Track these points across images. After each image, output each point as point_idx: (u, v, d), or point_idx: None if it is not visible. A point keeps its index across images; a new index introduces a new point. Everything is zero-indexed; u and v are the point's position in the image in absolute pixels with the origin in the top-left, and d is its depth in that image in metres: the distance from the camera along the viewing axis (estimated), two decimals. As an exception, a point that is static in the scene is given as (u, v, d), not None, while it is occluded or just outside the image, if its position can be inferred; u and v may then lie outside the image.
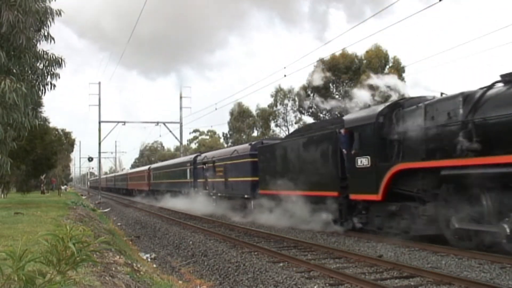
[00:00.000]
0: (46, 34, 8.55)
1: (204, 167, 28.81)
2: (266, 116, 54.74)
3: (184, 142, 71.24)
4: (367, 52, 40.74)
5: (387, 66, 40.94)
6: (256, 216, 20.12)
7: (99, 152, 48.85)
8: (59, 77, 8.93)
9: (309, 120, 48.55)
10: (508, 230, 9.42)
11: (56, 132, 36.46)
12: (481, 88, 11.08)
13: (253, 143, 23.35)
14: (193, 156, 33.67)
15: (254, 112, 57.96)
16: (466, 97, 11.18)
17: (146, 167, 50.37)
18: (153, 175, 44.23)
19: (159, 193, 40.47)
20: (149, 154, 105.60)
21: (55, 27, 8.68)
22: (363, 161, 13.51)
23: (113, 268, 7.53)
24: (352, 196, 14.06)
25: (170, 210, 29.45)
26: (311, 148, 16.57)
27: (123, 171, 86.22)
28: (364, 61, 40.68)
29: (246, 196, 22.11)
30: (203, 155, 30.99)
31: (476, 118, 10.64)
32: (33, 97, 8.50)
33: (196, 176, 30.68)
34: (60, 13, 8.42)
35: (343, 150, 14.64)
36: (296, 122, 52.39)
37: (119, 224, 24.30)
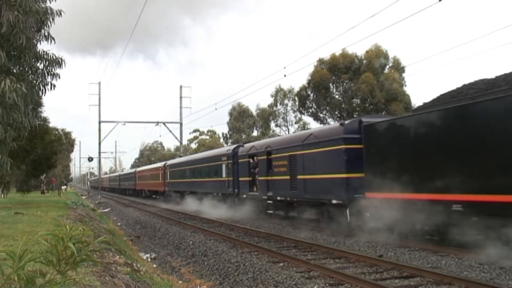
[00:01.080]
0: (46, 34, 8.55)
1: (252, 161, 22.10)
2: (266, 116, 54.77)
3: (184, 142, 71.35)
4: (367, 52, 40.74)
5: (387, 66, 40.95)
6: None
7: (99, 152, 48.87)
8: (59, 77, 8.93)
9: (309, 120, 48.55)
10: None
11: (56, 132, 36.43)
12: None
13: (346, 122, 15.61)
14: (231, 147, 26.01)
15: (254, 112, 58.03)
16: None
17: (160, 164, 44.35)
18: (170, 174, 38.17)
19: (178, 195, 35.37)
20: (149, 154, 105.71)
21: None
22: None
23: (113, 268, 7.53)
24: None
25: (170, 210, 29.39)
26: None
27: (123, 170, 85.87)
28: (364, 61, 40.66)
29: (335, 201, 15.12)
30: (248, 145, 23.76)
31: None
32: (33, 97, 8.50)
33: (237, 173, 23.63)
34: (60, 13, 8.42)
35: None
36: (296, 122, 52.48)
37: (119, 224, 24.30)
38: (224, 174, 25.34)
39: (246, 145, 24.01)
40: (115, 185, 73.35)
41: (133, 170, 63.05)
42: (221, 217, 22.14)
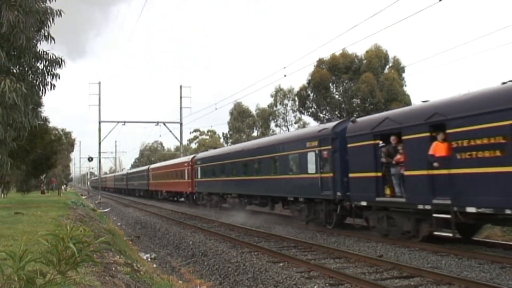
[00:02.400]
0: (46, 34, 8.56)
1: (382, 144, 13.44)
2: (266, 116, 54.78)
3: (184, 142, 71.35)
4: (367, 52, 40.72)
5: (387, 66, 40.94)
6: None
7: (99, 152, 48.86)
8: (59, 78, 8.94)
9: (309, 120, 48.60)
10: None
11: (56, 132, 36.44)
12: None
13: None
14: (327, 126, 16.58)
15: (254, 112, 58.08)
16: None
17: (186, 158, 36.20)
18: (202, 170, 29.93)
19: (214, 198, 27.89)
20: (149, 154, 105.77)
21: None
22: None
23: (113, 268, 7.53)
24: None
25: (170, 210, 29.36)
26: None
27: (123, 170, 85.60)
28: (364, 61, 40.65)
29: None
30: (367, 119, 14.81)
31: None
32: (33, 97, 8.51)
33: (343, 165, 14.89)
34: (60, 13, 8.42)
35: None
36: (296, 122, 52.50)
37: (119, 224, 24.30)
38: (312, 168, 16.41)
39: (361, 119, 15.02)
40: (122, 185, 66.75)
41: (145, 167, 54.72)
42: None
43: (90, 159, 66.48)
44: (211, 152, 31.30)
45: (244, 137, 57.10)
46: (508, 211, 9.50)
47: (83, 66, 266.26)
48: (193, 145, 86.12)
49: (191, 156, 34.65)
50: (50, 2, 8.44)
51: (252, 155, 22.08)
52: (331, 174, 15.40)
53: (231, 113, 60.01)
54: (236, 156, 24.31)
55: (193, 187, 31.57)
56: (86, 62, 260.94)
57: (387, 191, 13.40)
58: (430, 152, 11.29)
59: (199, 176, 30.58)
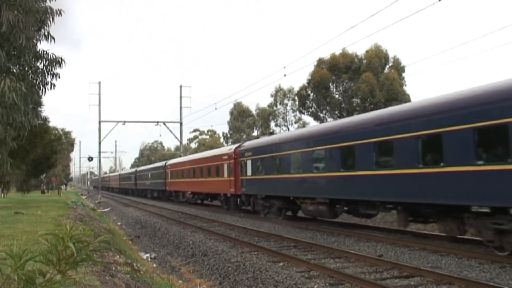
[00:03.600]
0: (46, 33, 8.56)
1: None
2: (266, 115, 54.80)
3: (184, 142, 71.38)
4: (367, 51, 40.71)
5: (387, 66, 40.93)
6: None
7: (99, 152, 48.87)
8: (59, 77, 8.94)
9: (309, 119, 48.64)
10: None
11: (56, 132, 36.46)
12: None
13: None
14: None
15: (254, 112, 58.13)
16: None
17: (225, 149, 27.50)
18: (254, 164, 21.80)
19: (275, 205, 20.11)
20: (149, 153, 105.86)
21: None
22: None
23: (113, 268, 7.53)
24: None
25: (170, 210, 29.31)
26: None
27: (123, 170, 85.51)
28: (364, 61, 40.64)
29: None
30: None
31: None
32: (33, 97, 8.51)
33: None
34: (60, 13, 8.42)
35: None
36: (296, 122, 52.52)
37: (119, 223, 24.29)
38: None
39: None
40: (129, 185, 59.55)
41: (160, 163, 47.06)
42: None
43: (90, 158, 66.43)
44: (273, 138, 21.94)
45: (244, 136, 57.14)
46: None
47: (83, 65, 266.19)
48: (193, 145, 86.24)
49: (233, 146, 25.95)
50: (50, 2, 8.45)
51: (369, 136, 13.52)
52: None
53: (231, 113, 60.08)
54: (328, 141, 15.74)
55: (238, 187, 23.59)
56: (85, 56, 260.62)
57: None
58: None
59: (248, 173, 22.30)
